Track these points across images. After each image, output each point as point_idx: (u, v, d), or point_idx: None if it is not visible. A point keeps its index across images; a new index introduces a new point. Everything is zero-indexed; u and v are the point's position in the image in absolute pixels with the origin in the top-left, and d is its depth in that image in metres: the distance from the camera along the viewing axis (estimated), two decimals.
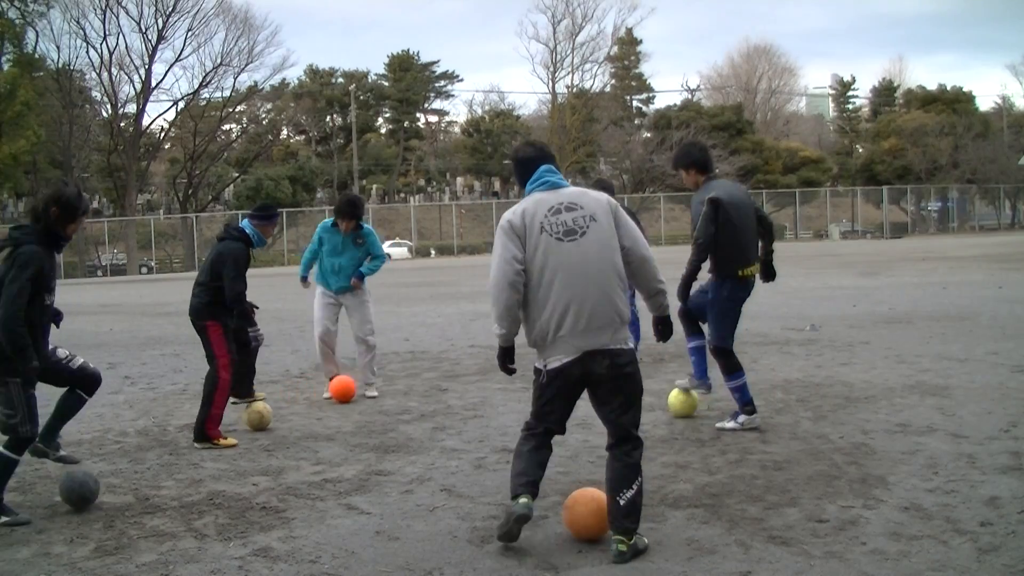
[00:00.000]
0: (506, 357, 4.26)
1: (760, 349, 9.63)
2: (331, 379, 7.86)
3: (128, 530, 4.53)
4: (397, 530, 4.40)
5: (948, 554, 3.84)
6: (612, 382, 4.08)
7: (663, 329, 4.35)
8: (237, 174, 58.33)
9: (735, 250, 5.99)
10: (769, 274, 6.38)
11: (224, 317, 6.35)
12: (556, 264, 4.01)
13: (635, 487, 4.00)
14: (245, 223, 6.65)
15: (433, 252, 50.34)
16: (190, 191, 55.75)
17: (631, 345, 4.20)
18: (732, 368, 6.11)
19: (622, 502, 3.97)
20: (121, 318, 16.75)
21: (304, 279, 8.19)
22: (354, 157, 61.28)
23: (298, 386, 8.61)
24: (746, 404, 6.12)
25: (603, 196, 4.22)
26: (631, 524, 3.95)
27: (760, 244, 6.28)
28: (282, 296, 21.39)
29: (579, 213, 4.07)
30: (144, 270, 48.30)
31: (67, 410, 5.21)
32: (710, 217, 5.88)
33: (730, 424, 6.15)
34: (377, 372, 8.20)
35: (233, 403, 6.58)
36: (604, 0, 64.39)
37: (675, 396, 6.61)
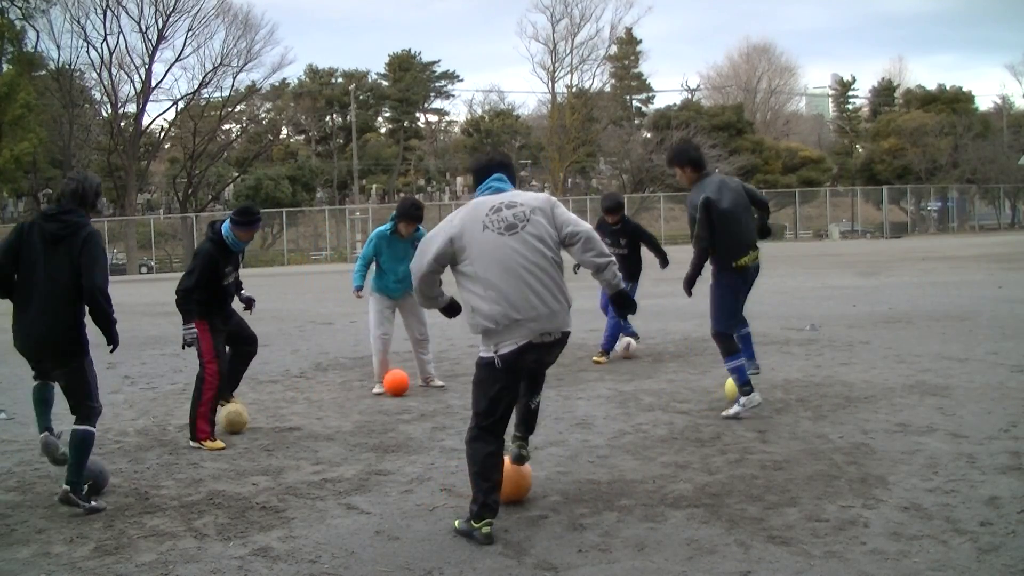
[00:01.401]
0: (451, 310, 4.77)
1: (760, 349, 9.58)
2: (382, 377, 7.91)
3: (128, 530, 4.53)
4: (397, 530, 4.40)
5: (948, 554, 3.84)
6: (548, 364, 4.55)
7: (624, 303, 4.63)
8: (237, 174, 58.30)
9: (730, 245, 6.39)
10: (764, 232, 6.82)
11: (211, 317, 6.36)
12: (502, 256, 4.24)
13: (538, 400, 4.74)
14: (226, 224, 6.52)
15: None
16: (190, 191, 55.73)
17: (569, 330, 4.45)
18: (731, 350, 6.49)
19: (533, 406, 4.70)
20: (121, 318, 16.67)
21: (360, 288, 8.07)
22: (354, 157, 61.25)
23: (298, 386, 8.61)
24: (744, 384, 6.44)
25: (541, 195, 4.59)
26: (531, 431, 4.75)
27: (758, 215, 6.77)
28: (282, 296, 21.40)
29: (518, 210, 4.35)
30: (144, 270, 48.27)
31: (86, 450, 5.00)
32: (705, 221, 6.28)
33: (733, 410, 6.45)
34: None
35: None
36: None
37: (730, 385, 6.81)
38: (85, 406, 4.88)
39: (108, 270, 4.93)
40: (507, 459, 4.58)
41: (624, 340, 9.38)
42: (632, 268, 9.00)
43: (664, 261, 9.03)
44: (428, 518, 4.57)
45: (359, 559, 4.05)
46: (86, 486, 4.85)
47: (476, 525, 4.19)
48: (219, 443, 6.17)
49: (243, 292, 6.90)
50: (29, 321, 4.83)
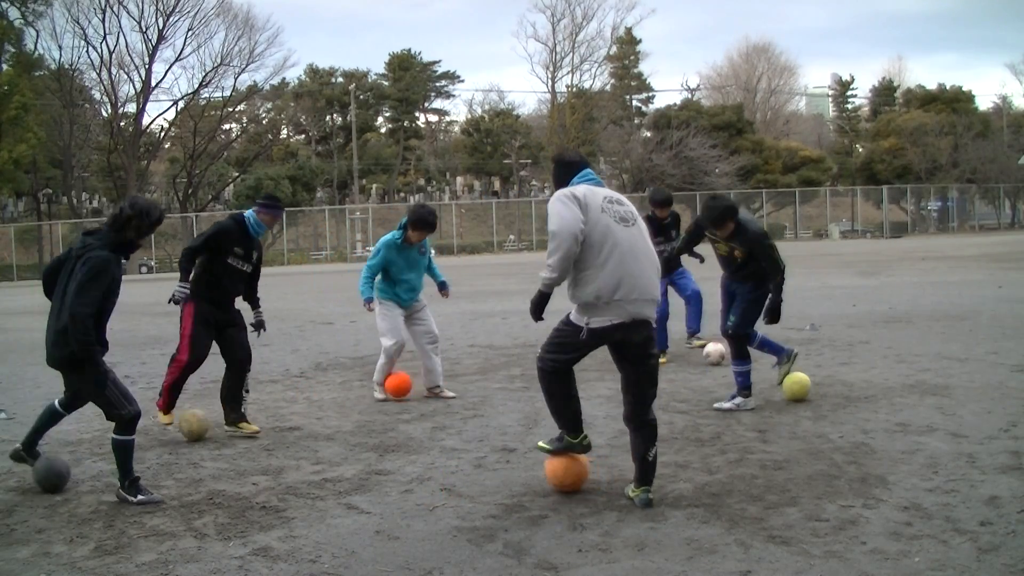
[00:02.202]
0: (543, 302, 4.65)
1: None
2: (383, 382, 7.74)
3: (128, 529, 4.53)
4: (397, 530, 4.41)
5: (948, 554, 3.84)
6: (644, 348, 4.65)
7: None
8: (237, 173, 58.32)
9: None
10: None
11: (201, 300, 6.40)
12: (616, 240, 4.51)
13: (655, 447, 4.72)
14: (249, 211, 6.64)
15: (433, 252, 50.33)
16: (190, 190, 55.74)
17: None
18: (745, 355, 6.83)
19: (650, 458, 4.68)
20: (121, 317, 16.70)
21: (371, 300, 7.71)
22: (354, 157, 61.27)
23: (298, 386, 8.61)
24: (745, 388, 6.78)
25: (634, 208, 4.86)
26: (653, 476, 4.71)
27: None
28: (282, 296, 21.41)
29: (627, 208, 4.70)
30: (144, 269, 48.28)
31: (123, 454, 5.05)
32: (776, 250, 6.65)
33: (727, 405, 6.77)
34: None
35: (226, 431, 6.53)
36: None
37: (792, 381, 6.98)
38: (112, 415, 4.95)
39: (101, 295, 4.83)
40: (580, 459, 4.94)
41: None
42: (675, 263, 8.94)
43: (701, 258, 8.90)
44: (428, 518, 4.57)
45: (359, 559, 4.05)
46: (127, 481, 4.95)
47: (572, 440, 4.77)
48: (169, 418, 6.46)
49: (260, 312, 6.78)
50: (48, 327, 5.02)
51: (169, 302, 6.40)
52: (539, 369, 4.78)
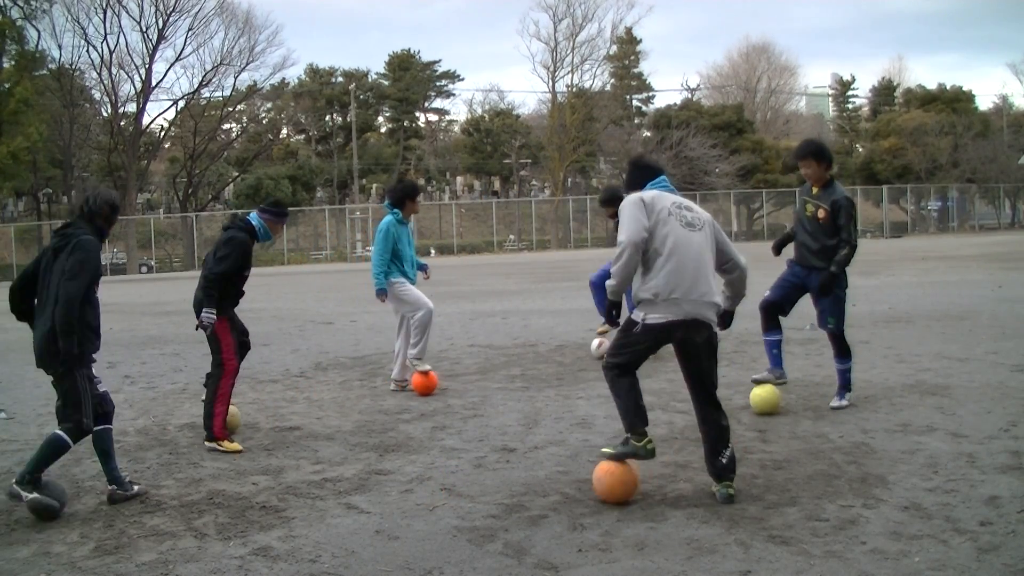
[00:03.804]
0: (614, 308, 4.97)
1: (760, 348, 9.59)
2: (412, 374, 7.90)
3: (128, 529, 4.53)
4: (397, 529, 4.40)
5: (948, 553, 3.84)
6: (707, 349, 4.79)
7: (725, 319, 5.04)
8: (237, 173, 58.32)
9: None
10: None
11: (228, 310, 6.23)
12: (678, 242, 4.67)
13: (731, 444, 4.83)
14: (253, 215, 6.44)
15: (433, 251, 50.34)
16: (190, 190, 55.75)
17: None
18: (848, 351, 6.81)
19: (724, 460, 4.73)
20: (121, 317, 16.74)
21: (385, 292, 7.86)
22: (354, 156, 61.26)
23: (298, 385, 8.61)
24: (848, 385, 6.80)
25: (707, 214, 4.97)
26: (733, 473, 4.76)
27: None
28: (282, 295, 21.42)
29: (696, 215, 4.84)
30: (144, 269, 48.28)
31: (52, 453, 4.96)
32: (855, 219, 6.49)
33: (842, 402, 6.70)
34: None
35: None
36: None
37: (757, 394, 6.73)
38: (70, 417, 4.85)
39: (91, 279, 4.83)
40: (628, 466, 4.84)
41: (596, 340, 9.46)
42: None
43: None
44: (428, 518, 4.57)
45: (359, 558, 4.05)
46: (33, 476, 4.80)
47: (637, 443, 4.78)
48: (236, 445, 6.09)
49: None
50: (35, 330, 4.97)
51: (197, 328, 6.21)
52: (604, 371, 4.91)
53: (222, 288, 6.11)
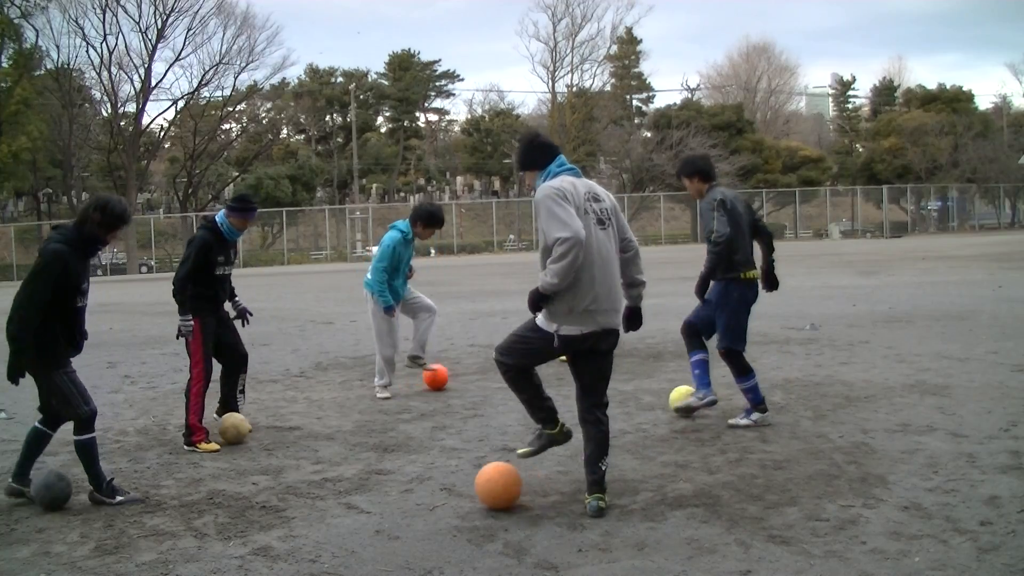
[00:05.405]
0: (542, 302, 4.44)
1: (760, 348, 9.62)
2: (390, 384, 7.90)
3: (128, 529, 4.53)
4: (397, 529, 4.40)
5: (948, 553, 3.84)
6: (610, 353, 4.61)
7: (634, 319, 4.78)
8: (237, 173, 58.31)
9: (740, 253, 6.13)
10: (771, 283, 6.43)
11: (205, 315, 6.26)
12: (593, 248, 4.37)
13: (607, 457, 4.61)
14: (220, 214, 6.47)
15: (433, 251, 50.32)
16: (190, 190, 55.75)
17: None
18: (743, 370, 6.27)
19: (604, 468, 4.54)
20: (121, 317, 16.74)
21: (393, 308, 7.79)
22: (354, 156, 61.27)
23: (298, 385, 8.61)
24: (758, 404, 6.26)
25: (609, 194, 4.66)
26: (605, 487, 4.54)
27: (761, 253, 6.41)
28: (282, 296, 21.42)
29: (603, 205, 4.52)
30: (144, 269, 48.25)
31: (36, 446, 5.13)
32: (723, 218, 6.01)
33: (743, 421, 6.23)
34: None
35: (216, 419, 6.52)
36: None
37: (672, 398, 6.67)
38: (67, 415, 4.91)
39: (41, 290, 4.70)
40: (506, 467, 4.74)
41: None
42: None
43: None
44: (428, 517, 4.57)
45: (359, 558, 4.05)
46: (103, 484, 4.93)
47: (552, 432, 4.74)
48: (213, 445, 6.11)
49: (238, 301, 6.78)
50: None
51: (177, 338, 6.27)
52: (503, 371, 4.67)
53: (186, 291, 6.15)
